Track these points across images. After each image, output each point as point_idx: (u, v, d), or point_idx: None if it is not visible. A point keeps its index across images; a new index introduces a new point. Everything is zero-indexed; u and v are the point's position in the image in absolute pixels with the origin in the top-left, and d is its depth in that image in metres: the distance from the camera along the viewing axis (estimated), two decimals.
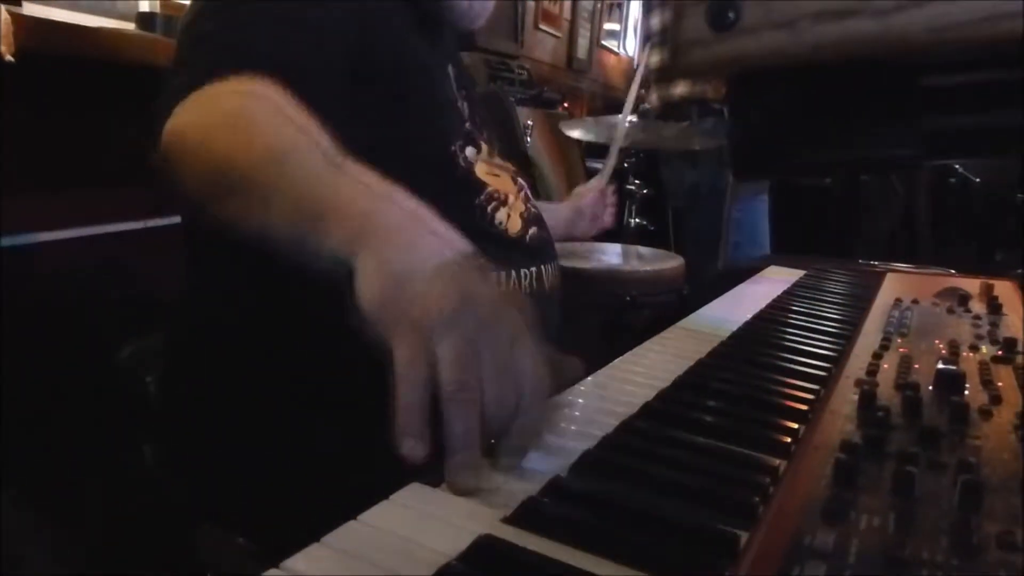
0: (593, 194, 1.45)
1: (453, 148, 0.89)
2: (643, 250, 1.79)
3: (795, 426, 0.56)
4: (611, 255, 1.76)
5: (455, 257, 0.53)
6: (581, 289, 1.49)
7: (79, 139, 1.34)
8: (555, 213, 1.39)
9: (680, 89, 2.20)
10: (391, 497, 0.45)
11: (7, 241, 1.24)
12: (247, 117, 0.65)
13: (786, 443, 0.53)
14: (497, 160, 0.98)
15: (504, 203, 0.93)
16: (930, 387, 0.63)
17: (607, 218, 1.47)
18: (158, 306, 1.47)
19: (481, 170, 0.92)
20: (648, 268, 1.58)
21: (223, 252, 0.87)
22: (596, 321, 1.50)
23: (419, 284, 0.50)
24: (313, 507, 0.80)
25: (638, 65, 2.32)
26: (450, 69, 0.97)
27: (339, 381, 0.82)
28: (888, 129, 0.35)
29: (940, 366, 0.65)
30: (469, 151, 0.91)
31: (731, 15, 0.29)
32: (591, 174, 2.98)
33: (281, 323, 0.84)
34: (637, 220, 1.99)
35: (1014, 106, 0.34)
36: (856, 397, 0.60)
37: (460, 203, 0.87)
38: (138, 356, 1.06)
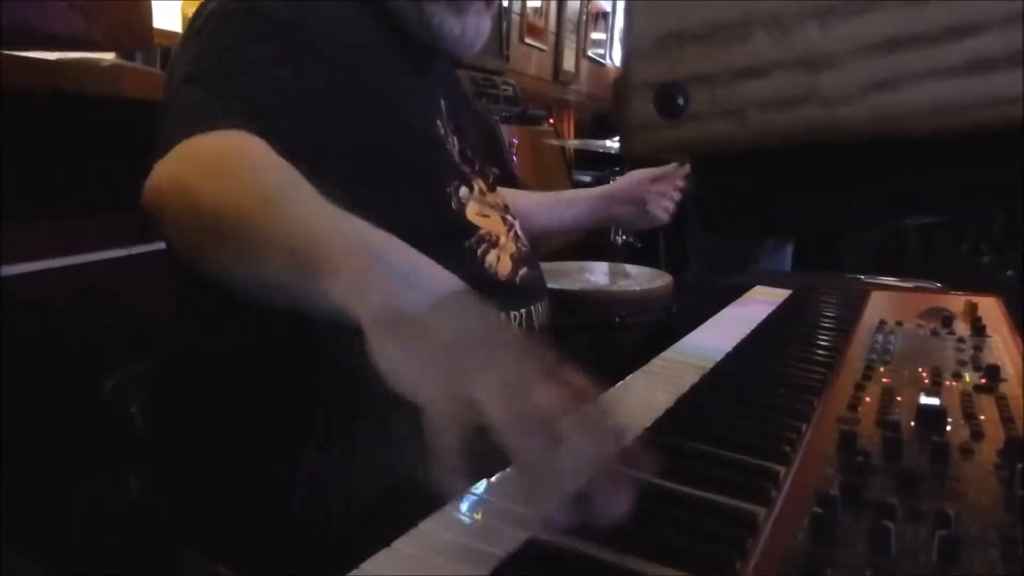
0: (631, 179, 1.33)
1: (448, 190, 0.89)
2: (631, 268, 1.79)
3: (778, 469, 0.55)
4: (598, 274, 1.76)
5: (460, 296, 0.53)
6: (568, 310, 1.49)
7: (60, 167, 1.33)
8: (579, 197, 1.34)
9: None
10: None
11: None
12: (233, 166, 0.65)
13: (767, 489, 0.52)
14: (488, 198, 0.97)
15: (495, 245, 0.92)
16: (912, 423, 0.63)
17: (657, 209, 1.32)
18: (142, 334, 1.46)
19: (472, 211, 0.91)
20: (637, 287, 1.58)
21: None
22: (584, 342, 1.49)
23: (432, 324, 0.49)
24: (297, 538, 0.81)
25: None
26: (442, 102, 0.96)
27: (328, 411, 0.82)
28: (850, 190, 0.35)
29: (922, 400, 0.65)
30: (463, 192, 0.91)
31: (680, 102, 0.29)
32: (579, 188, 2.99)
33: (271, 350, 0.84)
34: (624, 237, 1.99)
35: (971, 164, 0.34)
36: (836, 436, 0.60)
37: (451, 248, 0.87)
38: (123, 385, 1.06)
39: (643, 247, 2.09)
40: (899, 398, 0.71)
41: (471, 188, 0.93)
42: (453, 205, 0.90)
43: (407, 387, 0.47)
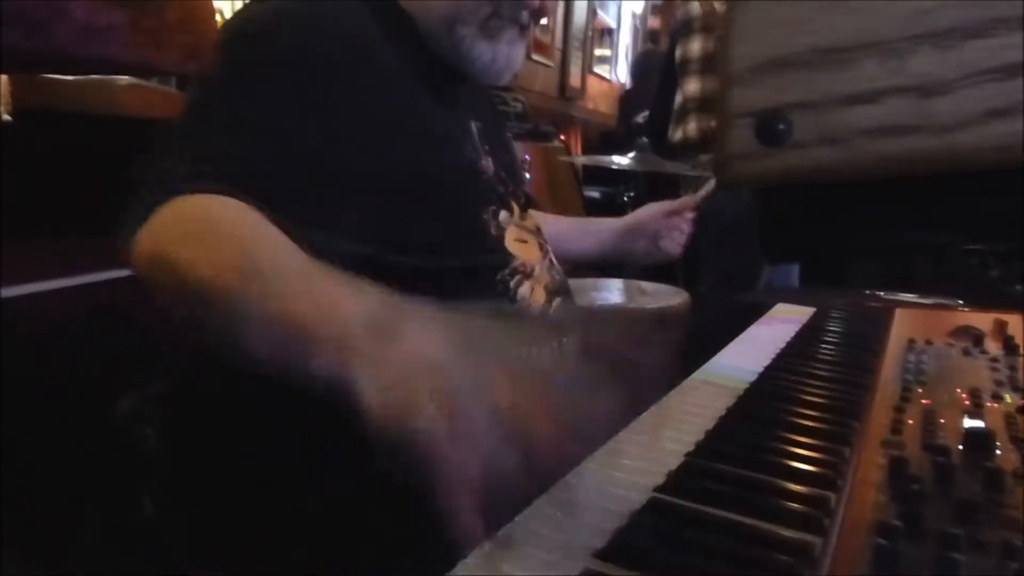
0: (648, 212, 1.30)
1: (485, 216, 0.87)
2: (647, 285, 1.77)
3: (827, 496, 0.54)
4: (614, 291, 1.75)
5: (451, 340, 0.51)
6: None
7: (72, 189, 1.33)
8: (603, 228, 1.31)
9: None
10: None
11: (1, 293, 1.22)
12: (217, 233, 0.63)
13: (819, 518, 0.51)
14: (527, 222, 0.95)
15: (529, 276, 0.90)
16: (959, 447, 0.62)
17: (670, 243, 1.30)
18: (157, 354, 1.45)
19: (511, 236, 0.89)
20: (655, 305, 1.57)
21: None
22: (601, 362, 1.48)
23: (425, 381, 0.48)
24: (314, 564, 0.79)
25: None
26: (473, 126, 0.95)
27: (351, 436, 0.81)
28: (923, 214, 0.34)
29: (967, 423, 0.64)
30: (502, 216, 0.89)
31: (781, 129, 0.28)
32: (589, 204, 2.98)
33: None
34: None
35: None
36: (884, 461, 0.58)
37: (482, 283, 0.85)
38: (137, 406, 1.05)
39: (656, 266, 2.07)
40: (941, 420, 0.69)
41: (511, 211, 0.91)
42: (493, 231, 0.88)
43: (403, 445, 0.47)
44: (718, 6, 2.10)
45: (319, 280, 0.57)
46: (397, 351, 0.50)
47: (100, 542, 1.25)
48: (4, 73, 0.99)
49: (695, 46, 2.22)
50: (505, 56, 0.91)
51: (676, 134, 2.29)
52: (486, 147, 0.95)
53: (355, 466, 0.80)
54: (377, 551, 0.78)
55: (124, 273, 1.45)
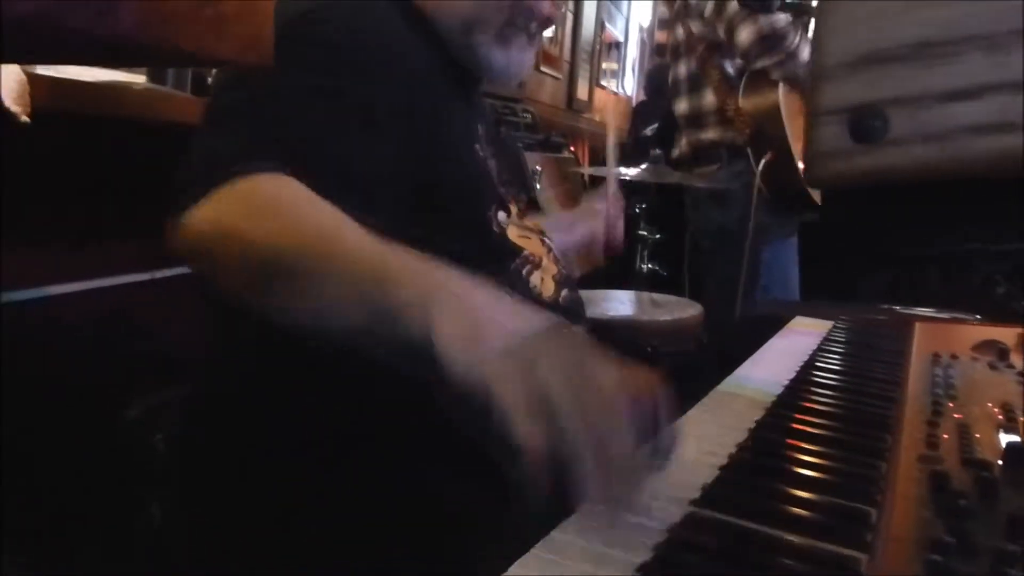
0: (604, 205, 1.28)
1: (488, 214, 0.88)
2: (658, 297, 1.76)
3: (868, 511, 0.53)
4: (624, 302, 1.74)
5: (533, 321, 0.54)
6: (596, 339, 1.46)
7: (85, 191, 1.32)
8: (570, 230, 1.26)
9: (710, 134, 2.21)
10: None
11: (11, 296, 1.21)
12: (285, 204, 0.64)
13: (862, 533, 0.50)
14: (526, 221, 0.97)
15: (538, 266, 0.91)
16: (999, 462, 0.60)
17: (618, 234, 1.28)
18: (167, 361, 1.44)
19: (513, 234, 0.90)
20: (667, 317, 1.56)
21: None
22: None
23: (505, 331, 0.50)
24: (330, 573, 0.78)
25: None
26: (479, 127, 0.96)
27: (367, 450, 0.80)
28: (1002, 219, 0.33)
29: (1007, 439, 0.63)
30: (501, 216, 0.90)
31: (877, 125, 0.27)
32: None
33: (311, 387, 0.82)
34: (649, 265, 1.97)
35: None
36: (922, 476, 0.57)
37: (498, 270, 0.85)
38: (147, 413, 1.03)
39: (668, 275, 2.07)
40: (977, 435, 0.68)
41: (508, 212, 0.92)
42: (495, 228, 0.88)
43: (481, 386, 0.47)
44: (695, 27, 2.17)
45: (388, 244, 0.59)
46: (479, 305, 0.53)
47: (105, 549, 1.24)
48: (67, 63, 0.99)
49: (681, 68, 2.31)
50: (518, 62, 0.94)
51: (674, 151, 2.37)
52: (490, 149, 0.96)
53: (368, 480, 0.80)
54: (387, 567, 0.77)
55: (134, 278, 1.44)
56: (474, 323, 0.51)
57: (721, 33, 2.07)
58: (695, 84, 2.26)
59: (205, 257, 0.66)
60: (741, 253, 2.01)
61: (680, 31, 2.29)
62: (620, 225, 1.29)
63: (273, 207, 0.64)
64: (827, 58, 0.28)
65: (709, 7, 2.08)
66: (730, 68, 2.17)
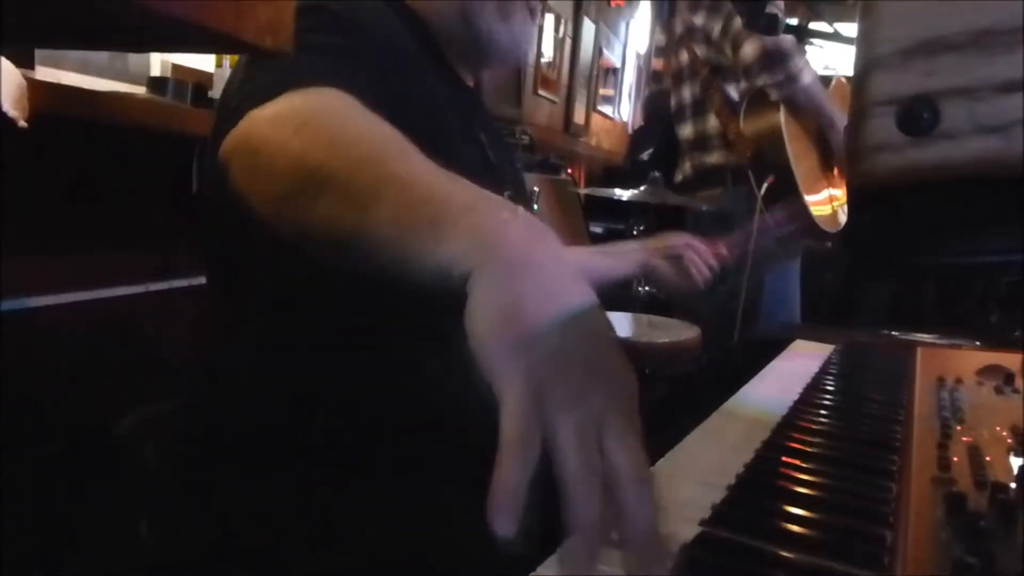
0: (681, 238, 1.25)
1: None
2: (656, 319, 1.75)
3: (883, 533, 0.51)
4: (621, 325, 1.73)
5: (579, 302, 0.47)
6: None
7: (83, 201, 1.31)
8: (630, 247, 1.25)
9: (714, 157, 2.21)
10: None
11: (6, 305, 1.19)
12: (332, 115, 0.61)
13: (878, 555, 0.48)
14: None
15: None
16: (1012, 484, 0.59)
17: (692, 272, 1.22)
18: (161, 371, 1.42)
19: None
20: (666, 339, 1.54)
21: (262, 308, 0.84)
22: None
23: (540, 323, 0.44)
24: None
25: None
26: (482, 136, 0.95)
27: (371, 463, 0.79)
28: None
29: (1020, 462, 0.61)
30: None
31: (926, 117, 0.25)
32: (593, 239, 2.97)
33: (312, 400, 0.81)
34: (646, 288, 1.96)
35: None
36: (937, 497, 0.56)
37: None
38: (138, 425, 1.02)
39: (664, 298, 2.06)
40: (988, 458, 0.67)
41: None
42: None
43: (489, 361, 0.43)
44: (700, 51, 2.18)
45: (445, 172, 0.55)
46: (527, 277, 0.47)
47: (99, 557, 1.21)
48: (89, 47, 0.97)
49: (685, 93, 2.31)
50: (521, 34, 0.95)
51: (677, 175, 2.37)
52: (492, 152, 0.96)
53: (362, 490, 0.78)
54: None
55: (130, 290, 1.43)
56: (514, 303, 0.45)
57: (727, 51, 2.08)
58: (699, 108, 2.27)
59: (249, 159, 0.61)
60: (742, 276, 2.00)
61: (684, 56, 2.30)
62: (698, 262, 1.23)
63: (324, 117, 0.61)
64: (879, 47, 0.27)
65: (717, 28, 2.10)
66: (733, 92, 2.18)
